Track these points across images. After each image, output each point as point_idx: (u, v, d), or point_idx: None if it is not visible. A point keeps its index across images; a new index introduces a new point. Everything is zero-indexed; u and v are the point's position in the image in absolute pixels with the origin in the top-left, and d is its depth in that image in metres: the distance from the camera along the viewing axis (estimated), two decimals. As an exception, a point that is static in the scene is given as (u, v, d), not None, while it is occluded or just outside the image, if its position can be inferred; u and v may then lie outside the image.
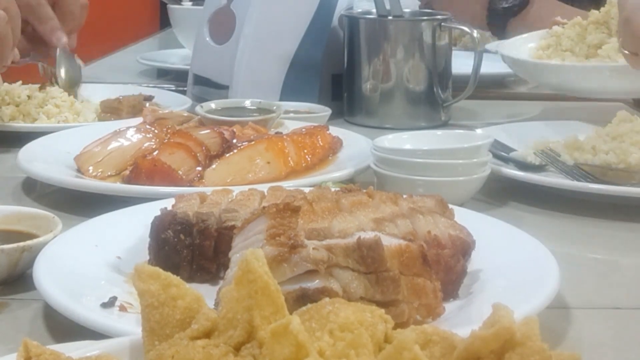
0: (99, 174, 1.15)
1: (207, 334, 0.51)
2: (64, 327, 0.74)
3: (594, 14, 1.48)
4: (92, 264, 0.83)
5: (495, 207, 1.10)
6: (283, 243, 0.69)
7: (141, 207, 0.95)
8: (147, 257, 0.84)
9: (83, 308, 0.72)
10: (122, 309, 0.74)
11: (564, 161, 1.16)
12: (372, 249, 0.69)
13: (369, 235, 0.71)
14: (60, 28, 1.62)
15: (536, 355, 0.47)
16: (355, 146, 1.24)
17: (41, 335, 0.75)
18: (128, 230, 0.90)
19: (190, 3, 2.37)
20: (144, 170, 1.08)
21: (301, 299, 0.67)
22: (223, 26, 1.58)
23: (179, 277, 0.52)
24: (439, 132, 1.29)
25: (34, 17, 1.60)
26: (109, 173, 1.15)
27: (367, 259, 0.69)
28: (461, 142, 1.11)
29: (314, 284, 0.68)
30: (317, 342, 0.48)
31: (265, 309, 0.50)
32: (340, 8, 1.57)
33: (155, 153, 1.12)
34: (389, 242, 0.72)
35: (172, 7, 2.23)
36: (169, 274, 0.52)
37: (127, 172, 1.11)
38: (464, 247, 0.81)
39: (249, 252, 0.50)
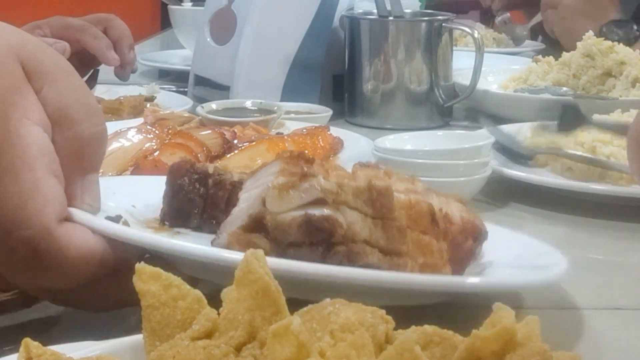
0: (100, 174, 1.14)
1: (208, 335, 0.51)
2: (64, 328, 0.74)
3: (565, 55, 1.61)
4: (107, 204, 0.83)
5: (496, 208, 1.10)
6: (294, 172, 0.68)
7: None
8: (160, 209, 0.85)
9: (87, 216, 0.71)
10: (125, 224, 0.76)
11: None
12: (382, 193, 0.69)
13: (380, 183, 0.70)
14: (112, 47, 1.62)
15: (537, 356, 0.48)
16: (356, 147, 1.24)
17: (42, 336, 0.74)
18: (146, 186, 0.90)
19: (191, 4, 2.37)
20: (145, 170, 1.08)
21: (305, 226, 0.67)
22: (224, 27, 1.58)
23: (179, 278, 0.52)
24: (439, 132, 1.29)
25: (85, 35, 1.59)
26: (110, 173, 1.15)
27: (376, 202, 0.68)
28: (462, 142, 1.11)
29: (321, 211, 0.68)
30: (318, 342, 0.48)
31: (266, 309, 0.50)
32: (341, 9, 1.58)
33: (156, 153, 1.12)
34: (400, 196, 0.71)
35: (172, 8, 2.23)
36: (169, 274, 0.52)
37: (128, 172, 1.11)
38: (474, 230, 0.80)
39: (250, 253, 0.50)
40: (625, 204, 1.08)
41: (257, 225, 0.70)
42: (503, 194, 1.14)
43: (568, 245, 1.02)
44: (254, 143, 1.15)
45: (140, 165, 1.09)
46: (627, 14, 2.04)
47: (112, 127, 1.29)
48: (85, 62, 1.63)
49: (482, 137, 1.13)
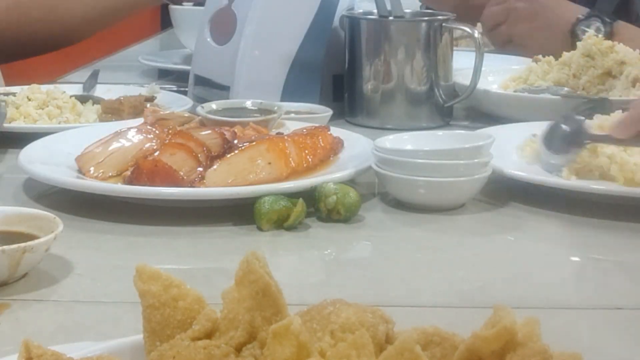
0: (100, 174, 1.15)
1: (208, 335, 0.51)
2: (65, 328, 0.74)
3: (565, 55, 1.61)
4: None
5: (496, 208, 1.10)
6: None
7: None
8: None
9: None
10: None
11: None
12: None
13: None
14: None
15: (537, 356, 0.48)
16: (357, 147, 1.24)
17: (42, 336, 0.75)
18: None
19: (191, 3, 2.37)
20: (145, 171, 1.08)
21: None
22: (224, 27, 1.58)
23: (179, 278, 0.52)
24: (440, 132, 1.29)
25: None
26: (110, 174, 1.15)
27: None
28: (462, 142, 1.11)
29: None
30: (318, 342, 0.48)
31: (266, 309, 0.50)
32: (342, 8, 1.57)
33: (156, 154, 1.12)
34: None
35: (173, 8, 2.23)
36: (169, 274, 0.52)
37: (128, 172, 1.11)
38: None
39: (250, 253, 0.50)
40: (625, 204, 1.08)
41: None
42: (503, 194, 1.14)
43: (567, 244, 1.02)
44: (254, 143, 1.15)
45: (140, 165, 1.09)
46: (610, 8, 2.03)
47: (112, 127, 1.30)
48: None
49: (482, 137, 1.13)
